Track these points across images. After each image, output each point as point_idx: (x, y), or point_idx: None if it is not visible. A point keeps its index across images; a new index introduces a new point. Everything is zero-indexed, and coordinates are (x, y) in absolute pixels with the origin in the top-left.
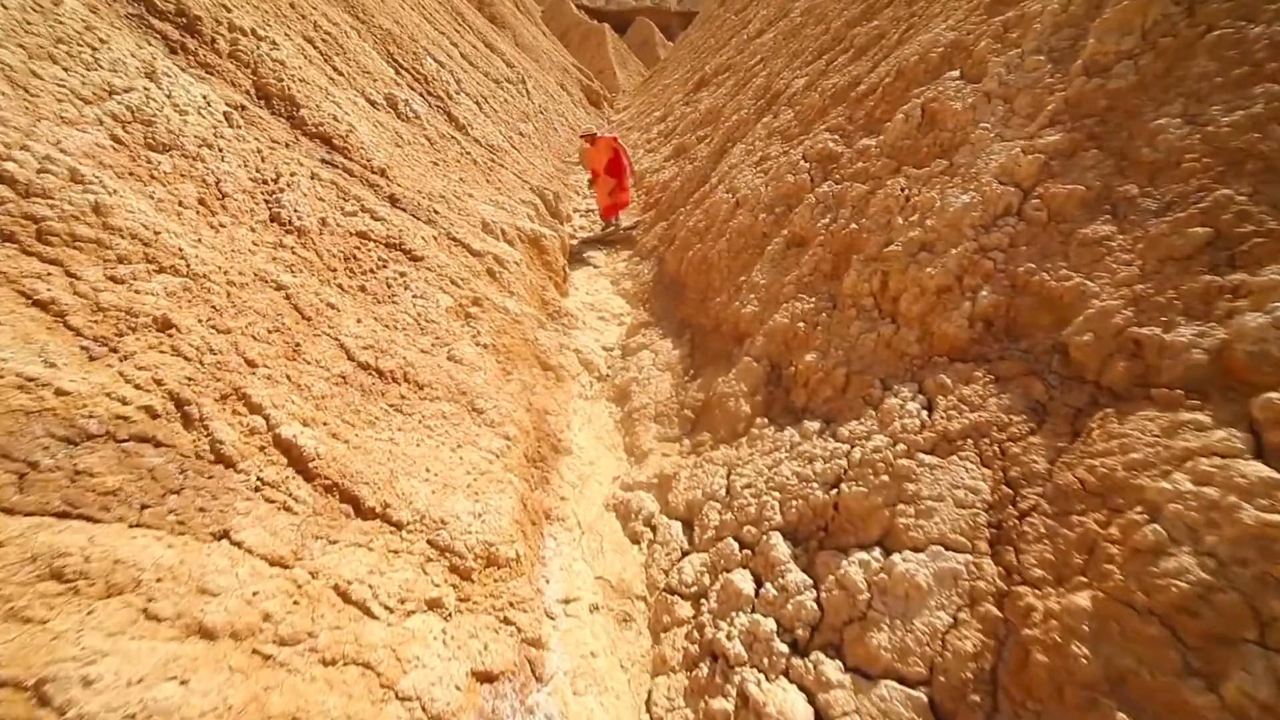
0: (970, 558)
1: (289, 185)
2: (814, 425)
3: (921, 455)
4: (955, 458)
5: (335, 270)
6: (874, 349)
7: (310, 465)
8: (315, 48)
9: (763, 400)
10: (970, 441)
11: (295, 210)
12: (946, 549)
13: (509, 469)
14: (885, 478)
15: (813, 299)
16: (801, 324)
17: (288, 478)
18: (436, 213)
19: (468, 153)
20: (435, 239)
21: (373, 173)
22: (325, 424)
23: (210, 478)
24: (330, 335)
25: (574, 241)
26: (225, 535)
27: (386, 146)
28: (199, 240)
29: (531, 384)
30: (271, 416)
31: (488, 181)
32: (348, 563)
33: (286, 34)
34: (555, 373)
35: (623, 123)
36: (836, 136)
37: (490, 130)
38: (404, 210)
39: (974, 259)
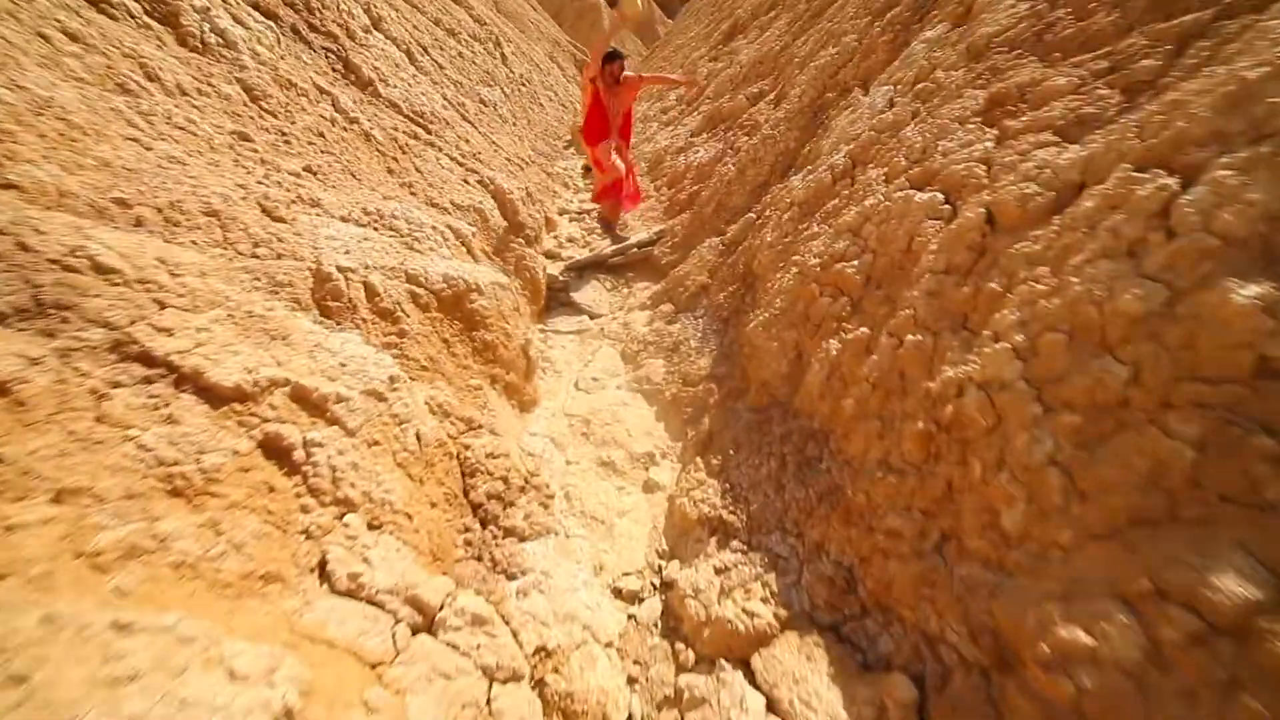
0: None
1: None
2: None
3: None
4: None
5: None
6: None
7: None
8: None
9: None
10: None
11: None
12: None
13: None
14: None
15: None
16: None
17: None
18: (91, 267)
19: (354, 120)
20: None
21: None
22: None
23: None
24: None
25: (555, 271)
26: None
27: (66, 92)
28: None
29: None
30: None
31: (389, 172)
32: None
33: None
34: None
35: None
36: None
37: (423, 90)
38: None
39: None
